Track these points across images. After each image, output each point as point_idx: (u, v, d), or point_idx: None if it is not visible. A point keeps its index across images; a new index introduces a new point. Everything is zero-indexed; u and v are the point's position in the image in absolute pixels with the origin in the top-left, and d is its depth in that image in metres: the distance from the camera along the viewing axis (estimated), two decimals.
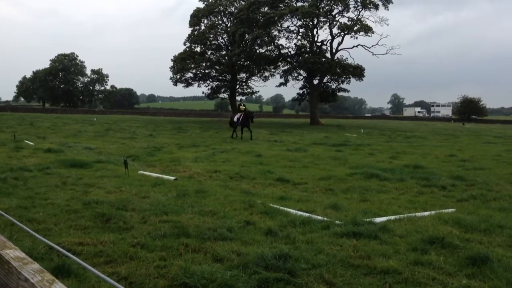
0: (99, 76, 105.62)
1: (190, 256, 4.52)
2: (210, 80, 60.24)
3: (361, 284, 3.83)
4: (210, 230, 5.38)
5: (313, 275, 3.99)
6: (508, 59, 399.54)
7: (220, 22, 58.31)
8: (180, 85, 59.16)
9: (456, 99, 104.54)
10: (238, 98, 60.97)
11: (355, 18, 49.59)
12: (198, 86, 60.26)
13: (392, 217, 6.24)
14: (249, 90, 63.14)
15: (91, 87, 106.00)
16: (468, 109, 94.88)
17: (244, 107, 26.03)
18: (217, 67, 58.06)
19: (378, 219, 6.06)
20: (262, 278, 3.87)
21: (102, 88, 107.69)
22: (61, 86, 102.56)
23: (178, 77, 56.81)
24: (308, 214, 6.33)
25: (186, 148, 17.66)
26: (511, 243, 5.12)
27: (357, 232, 5.31)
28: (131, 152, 15.42)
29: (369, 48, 50.62)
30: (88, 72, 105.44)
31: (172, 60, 56.81)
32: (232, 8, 57.03)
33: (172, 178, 9.64)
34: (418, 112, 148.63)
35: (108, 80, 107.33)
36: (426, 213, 6.59)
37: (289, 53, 53.70)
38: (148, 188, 8.32)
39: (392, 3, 49.30)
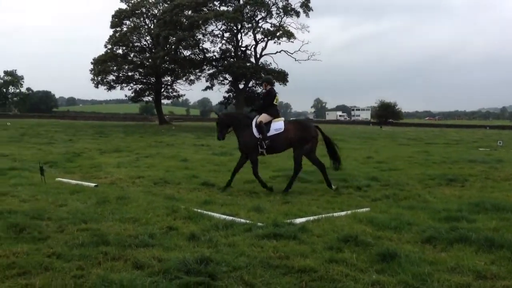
0: (13, 78, 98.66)
1: (109, 265, 4.43)
2: (134, 83, 58.61)
3: (279, 284, 3.97)
4: (131, 237, 5.29)
5: (233, 277, 4.08)
6: (419, 66, 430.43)
7: (143, 24, 57.03)
8: (102, 88, 56.84)
9: (374, 103, 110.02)
10: (164, 101, 59.81)
11: (278, 24, 50.76)
12: (121, 89, 58.29)
13: (311, 218, 6.50)
14: (174, 93, 62.36)
15: (4, 90, 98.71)
16: (386, 113, 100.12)
17: None
18: (140, 70, 56.61)
19: (298, 220, 6.29)
20: (183, 283, 3.89)
21: (17, 90, 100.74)
22: None
23: (100, 79, 54.72)
24: (231, 218, 6.42)
25: (108, 154, 17.09)
26: (418, 239, 5.49)
27: (277, 233, 5.47)
28: (49, 158, 14.68)
29: (292, 54, 52.10)
30: (1, 73, 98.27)
31: (92, 62, 54.65)
32: (155, 11, 56.04)
33: (93, 185, 9.32)
34: (340, 115, 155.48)
35: (23, 82, 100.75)
36: (343, 213, 6.93)
37: (214, 57, 53.72)
38: (66, 195, 7.98)
39: (312, 10, 50.94)
